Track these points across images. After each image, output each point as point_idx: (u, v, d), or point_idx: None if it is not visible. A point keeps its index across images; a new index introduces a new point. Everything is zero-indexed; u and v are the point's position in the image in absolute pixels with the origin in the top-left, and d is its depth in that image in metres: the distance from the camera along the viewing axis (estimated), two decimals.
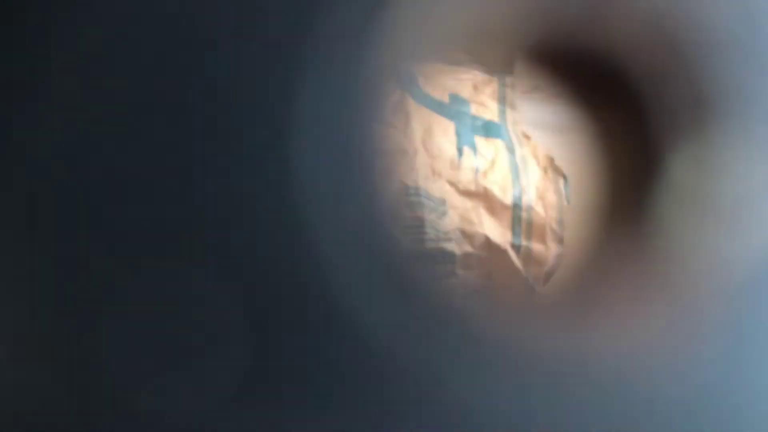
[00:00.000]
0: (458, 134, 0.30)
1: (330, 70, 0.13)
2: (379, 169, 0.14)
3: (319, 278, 0.13)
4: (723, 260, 0.14)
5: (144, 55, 0.14)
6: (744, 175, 0.14)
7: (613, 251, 0.16)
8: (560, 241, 0.29)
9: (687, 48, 0.14)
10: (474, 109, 0.30)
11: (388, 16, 0.13)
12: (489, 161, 0.30)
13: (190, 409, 0.13)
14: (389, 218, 0.14)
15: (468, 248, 0.29)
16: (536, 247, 0.29)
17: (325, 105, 0.13)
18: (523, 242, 0.29)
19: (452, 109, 0.30)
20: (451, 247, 0.29)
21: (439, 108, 0.30)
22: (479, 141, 0.30)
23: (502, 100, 0.30)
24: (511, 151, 0.30)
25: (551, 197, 0.30)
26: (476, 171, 0.30)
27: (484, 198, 0.29)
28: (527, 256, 0.29)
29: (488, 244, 0.29)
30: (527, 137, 0.30)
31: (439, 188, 0.29)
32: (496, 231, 0.29)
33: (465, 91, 0.30)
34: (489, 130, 0.30)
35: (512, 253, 0.29)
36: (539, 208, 0.30)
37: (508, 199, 0.29)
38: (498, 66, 0.29)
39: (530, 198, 0.30)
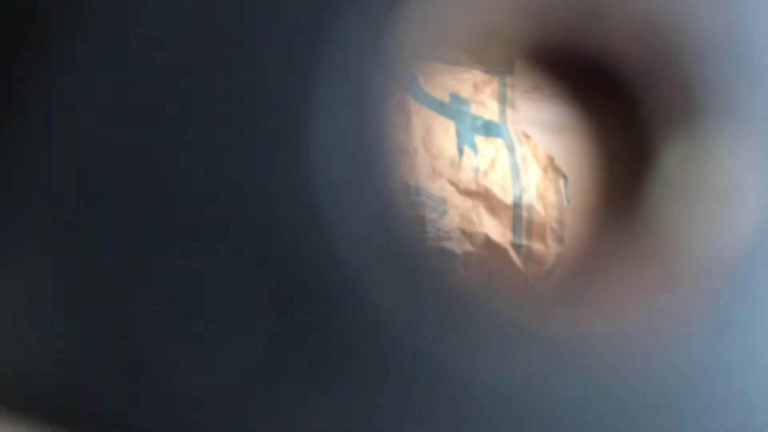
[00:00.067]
0: (458, 134, 0.30)
1: (344, 72, 0.14)
2: (393, 167, 0.14)
3: (336, 267, 0.14)
4: (713, 250, 0.14)
5: (165, 56, 0.14)
6: (732, 170, 0.14)
7: (610, 244, 0.16)
8: (560, 240, 0.29)
9: (679, 51, 0.14)
10: (474, 109, 0.30)
11: (398, 19, 0.14)
12: (489, 161, 0.30)
13: (217, 386, 0.14)
14: (403, 213, 0.14)
15: (468, 247, 0.29)
16: (536, 246, 0.29)
17: (340, 105, 0.14)
18: (524, 241, 0.29)
19: (452, 108, 0.30)
20: (452, 246, 0.29)
21: (440, 107, 0.30)
22: (479, 140, 0.30)
23: (503, 100, 0.30)
24: (511, 150, 0.30)
25: (551, 196, 0.30)
26: (476, 170, 0.30)
27: (485, 197, 0.29)
28: (527, 255, 0.29)
29: (488, 243, 0.29)
30: (527, 137, 0.30)
31: (440, 187, 0.29)
32: (496, 230, 0.29)
33: (465, 90, 0.30)
34: (489, 129, 0.30)
35: (512, 252, 0.29)
36: (539, 208, 0.30)
37: (508, 199, 0.29)
38: (498, 66, 0.29)
39: (530, 197, 0.30)
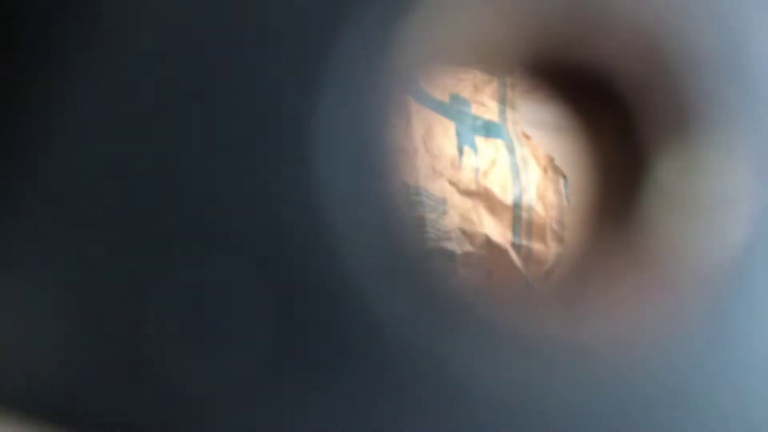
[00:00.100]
0: (459, 134, 0.30)
1: (348, 74, 0.14)
2: (395, 168, 0.14)
3: (338, 269, 0.14)
4: (708, 255, 0.14)
5: (168, 58, 0.14)
6: (725, 179, 0.14)
7: (609, 246, 0.16)
8: (560, 240, 0.29)
9: (674, 63, 0.14)
10: (474, 109, 0.30)
11: (403, 24, 0.14)
12: (489, 161, 0.30)
13: (218, 387, 0.14)
14: (405, 214, 0.14)
15: (468, 247, 0.29)
16: (536, 246, 0.30)
17: (343, 107, 0.14)
18: (524, 241, 0.29)
19: (453, 109, 0.30)
20: (452, 246, 0.29)
21: (440, 108, 0.30)
22: (479, 141, 0.30)
23: (503, 100, 0.30)
24: (511, 150, 0.30)
25: (551, 197, 0.30)
26: (477, 171, 0.30)
27: (485, 197, 0.30)
28: (527, 256, 0.29)
29: (488, 243, 0.29)
30: (527, 137, 0.30)
31: (440, 188, 0.29)
32: (496, 230, 0.29)
33: (465, 91, 0.30)
34: (489, 130, 0.30)
35: (512, 253, 0.29)
36: (539, 208, 0.30)
37: (508, 199, 0.30)
38: (496, 69, 0.29)
39: (530, 198, 0.30)
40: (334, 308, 0.14)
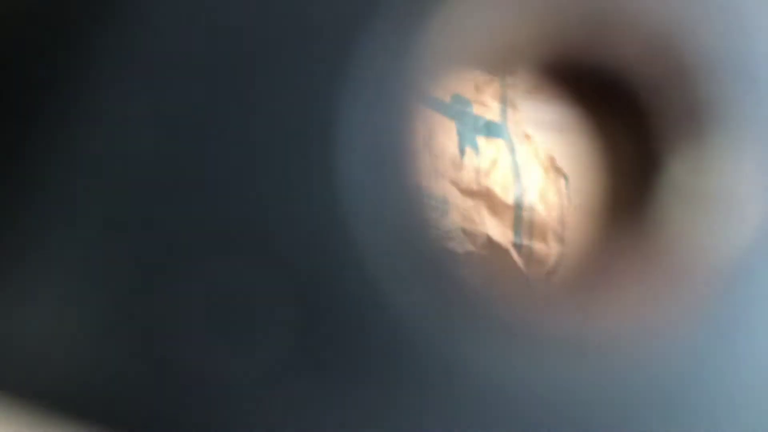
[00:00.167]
0: (460, 134, 0.30)
1: (373, 79, 0.14)
2: (416, 170, 0.14)
3: (359, 268, 0.14)
4: (716, 253, 0.15)
5: (195, 59, 0.14)
6: (736, 178, 0.14)
7: (615, 245, 0.16)
8: (562, 240, 0.30)
9: (687, 64, 0.14)
10: (476, 109, 0.30)
11: (423, 29, 0.14)
12: (490, 161, 0.30)
13: (238, 385, 0.14)
14: (425, 216, 0.14)
15: (470, 247, 0.29)
16: (538, 246, 0.30)
17: (367, 110, 0.14)
18: (525, 242, 0.30)
19: (454, 108, 0.30)
20: (453, 246, 0.29)
21: (441, 108, 0.30)
22: (481, 141, 0.30)
23: (504, 100, 0.30)
24: (512, 150, 0.30)
25: (552, 197, 0.30)
26: (478, 170, 0.30)
27: (486, 197, 0.30)
28: (529, 256, 0.30)
29: (490, 243, 0.29)
30: (529, 137, 0.30)
31: (441, 187, 0.29)
32: (497, 230, 0.29)
33: (467, 91, 0.30)
34: (490, 129, 0.30)
35: (514, 252, 0.29)
36: (541, 208, 0.30)
37: (509, 199, 0.30)
38: (503, 69, 0.29)
39: (532, 198, 0.30)
40: (355, 308, 0.14)
